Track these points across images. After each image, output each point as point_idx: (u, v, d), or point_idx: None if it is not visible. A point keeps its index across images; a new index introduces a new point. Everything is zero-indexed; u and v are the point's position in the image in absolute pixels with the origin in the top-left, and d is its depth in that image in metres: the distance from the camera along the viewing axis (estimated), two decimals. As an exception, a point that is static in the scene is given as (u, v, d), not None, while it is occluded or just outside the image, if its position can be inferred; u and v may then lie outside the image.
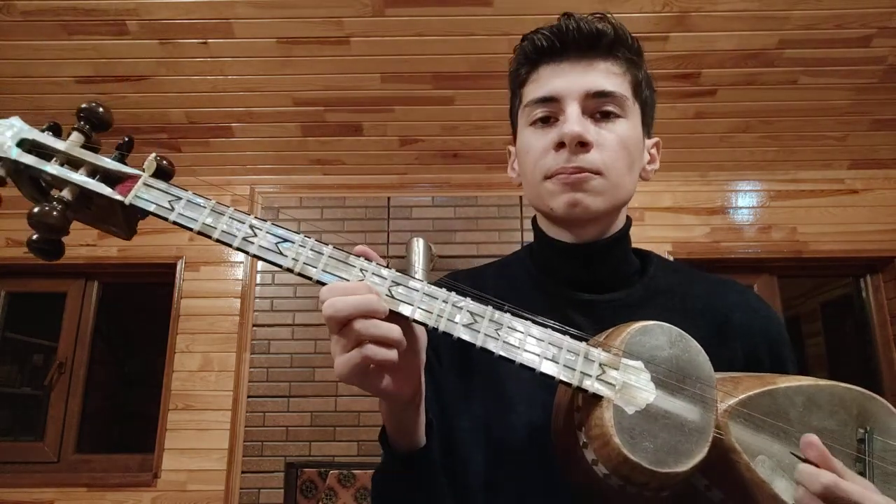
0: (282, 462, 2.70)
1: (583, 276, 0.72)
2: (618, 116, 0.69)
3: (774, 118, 2.78)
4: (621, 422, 0.52)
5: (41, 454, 2.82)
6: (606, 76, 0.69)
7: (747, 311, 0.72)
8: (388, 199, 3.06)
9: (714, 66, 2.53)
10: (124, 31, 2.38)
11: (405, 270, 0.56)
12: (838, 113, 2.75)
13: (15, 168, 0.58)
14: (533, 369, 0.53)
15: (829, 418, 0.57)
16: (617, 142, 0.68)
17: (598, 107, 0.68)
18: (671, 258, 2.86)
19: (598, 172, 0.68)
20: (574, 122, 0.67)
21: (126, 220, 0.60)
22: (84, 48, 2.43)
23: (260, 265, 2.97)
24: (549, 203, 0.70)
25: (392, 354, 0.51)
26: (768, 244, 2.97)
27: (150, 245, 2.97)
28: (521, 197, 3.01)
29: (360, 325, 0.51)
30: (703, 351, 0.57)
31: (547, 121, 0.70)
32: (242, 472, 2.72)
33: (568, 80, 0.69)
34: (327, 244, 0.57)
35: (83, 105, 0.61)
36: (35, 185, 0.60)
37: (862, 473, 0.55)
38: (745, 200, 3.05)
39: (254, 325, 2.90)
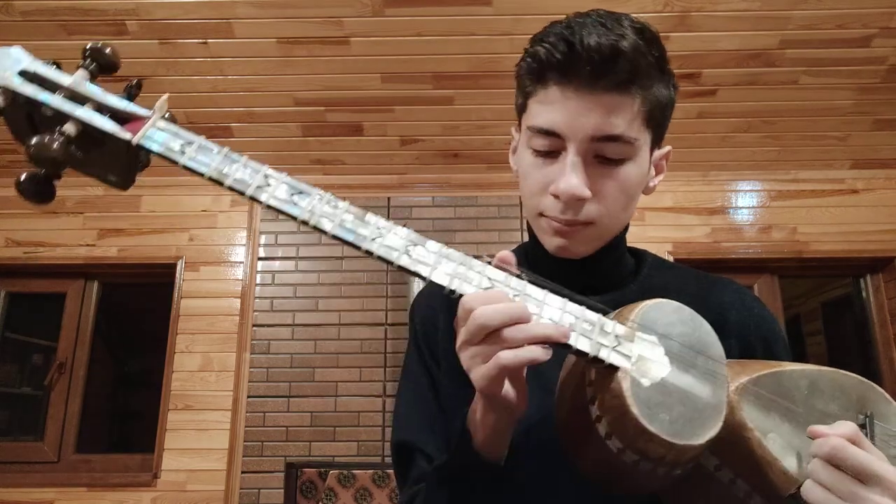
0: (282, 462, 2.70)
1: (576, 280, 0.71)
2: (622, 160, 0.65)
3: (775, 118, 2.78)
4: (638, 393, 0.51)
5: (41, 454, 2.82)
6: (616, 117, 0.62)
7: (742, 310, 0.72)
8: (389, 199, 3.05)
9: (715, 66, 2.53)
10: (124, 31, 2.38)
11: (418, 240, 0.55)
12: (839, 113, 2.75)
13: (13, 99, 0.54)
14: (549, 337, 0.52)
15: (831, 402, 0.58)
16: (617, 189, 0.65)
17: (602, 151, 0.64)
18: (671, 258, 2.86)
19: (590, 223, 0.66)
20: (570, 177, 0.63)
21: (128, 165, 0.56)
22: (84, 48, 2.43)
23: (260, 265, 2.97)
24: (541, 237, 0.70)
25: (544, 356, 0.51)
26: (769, 244, 2.97)
27: (150, 245, 2.97)
28: (521, 197, 3.00)
29: (513, 331, 0.50)
30: (713, 331, 0.57)
31: (548, 154, 0.66)
32: (242, 472, 2.72)
33: (572, 116, 0.63)
34: (344, 199, 0.55)
35: (89, 44, 0.57)
36: (29, 122, 0.56)
37: None
38: (746, 200, 3.05)
39: (254, 325, 2.90)
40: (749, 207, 3.04)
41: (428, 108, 2.74)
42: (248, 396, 2.81)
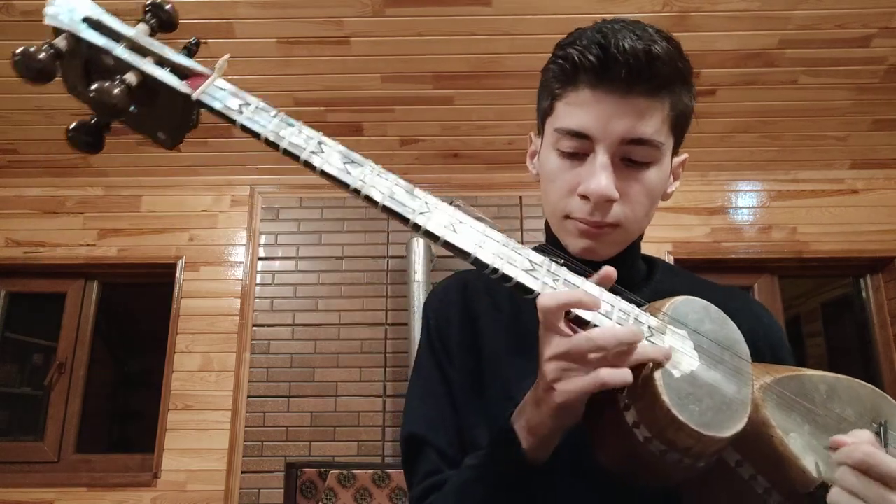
0: (282, 462, 2.70)
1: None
2: (648, 164, 0.66)
3: (775, 118, 2.78)
4: (669, 383, 0.52)
5: (41, 454, 2.82)
6: (646, 121, 0.63)
7: (751, 318, 0.72)
8: (389, 199, 3.05)
9: (714, 66, 2.53)
10: (124, 30, 2.38)
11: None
12: (839, 113, 2.75)
13: (75, 45, 0.53)
14: (587, 322, 0.53)
15: (848, 407, 0.59)
16: (642, 192, 0.66)
17: (630, 154, 0.65)
18: (671, 258, 2.86)
19: (615, 225, 0.67)
20: (601, 178, 0.63)
21: (181, 122, 0.56)
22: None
23: (260, 265, 2.97)
24: (564, 239, 0.70)
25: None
26: (769, 244, 2.97)
27: (150, 245, 2.97)
28: (521, 197, 3.01)
29: (622, 355, 0.52)
30: (738, 330, 0.58)
31: (575, 156, 0.66)
32: (242, 472, 2.72)
33: (605, 118, 0.63)
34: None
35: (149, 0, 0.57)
36: (84, 70, 0.55)
37: None
38: (746, 200, 3.05)
39: (254, 325, 2.90)
40: (749, 207, 3.04)
41: (428, 108, 2.75)
42: (248, 396, 2.81)
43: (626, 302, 0.56)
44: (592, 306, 0.53)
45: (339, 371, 2.85)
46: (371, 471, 2.47)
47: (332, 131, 2.53)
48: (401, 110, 2.76)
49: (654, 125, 0.64)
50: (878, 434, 0.57)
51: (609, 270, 0.56)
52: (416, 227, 0.54)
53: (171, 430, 2.75)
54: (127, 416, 3.69)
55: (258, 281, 2.95)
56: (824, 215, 2.99)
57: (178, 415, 2.76)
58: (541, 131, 0.74)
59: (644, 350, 0.52)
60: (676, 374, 0.53)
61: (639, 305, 0.57)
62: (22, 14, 2.32)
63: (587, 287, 0.55)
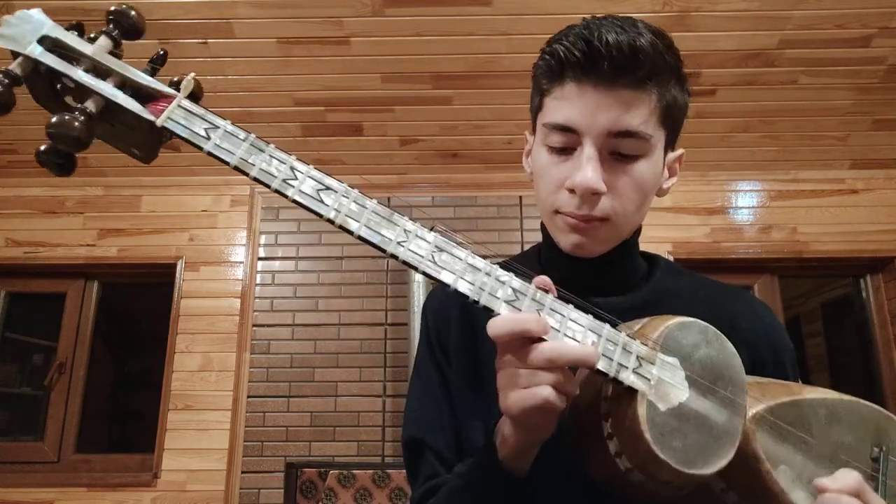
0: (282, 462, 2.70)
1: (589, 281, 0.71)
2: (637, 157, 0.65)
3: (775, 118, 2.78)
4: (653, 418, 0.51)
5: (41, 454, 2.82)
6: (632, 112, 0.63)
7: (753, 319, 0.72)
8: (388, 199, 3.04)
9: (714, 65, 2.53)
10: (124, 31, 2.38)
11: (449, 235, 0.54)
12: (839, 113, 2.75)
13: (34, 69, 0.51)
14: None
15: (848, 434, 0.57)
16: (631, 186, 0.65)
17: (618, 147, 0.64)
18: (671, 258, 2.86)
19: (605, 219, 0.66)
20: (587, 171, 0.63)
21: (151, 141, 0.54)
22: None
23: (260, 265, 2.97)
24: (555, 235, 0.70)
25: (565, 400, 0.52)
26: (768, 244, 2.97)
27: (150, 245, 2.97)
28: (521, 197, 3.01)
29: (561, 376, 0.51)
30: (737, 354, 0.56)
31: (563, 151, 0.66)
32: (242, 472, 2.72)
33: (590, 111, 0.63)
34: (371, 198, 0.54)
35: (113, 7, 0.54)
36: (51, 88, 0.53)
37: (874, 490, 0.56)
38: (746, 200, 3.05)
39: (254, 325, 2.90)
40: (748, 207, 3.04)
41: (427, 108, 2.75)
42: (248, 396, 2.81)
43: (613, 329, 0.54)
44: (541, 333, 0.51)
45: (338, 371, 2.85)
46: (371, 471, 2.47)
47: (332, 131, 2.55)
48: (400, 110, 2.76)
49: (640, 117, 0.63)
50: (875, 460, 0.56)
51: (542, 279, 0.55)
52: (395, 258, 0.52)
53: (171, 430, 2.75)
54: (127, 416, 3.69)
55: (258, 281, 2.95)
56: (824, 215, 2.99)
57: (178, 415, 2.76)
58: (534, 129, 0.74)
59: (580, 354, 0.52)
60: (662, 407, 0.51)
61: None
62: (22, 14, 2.32)
63: (574, 315, 0.54)
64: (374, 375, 2.85)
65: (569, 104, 0.64)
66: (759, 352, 0.69)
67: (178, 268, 2.93)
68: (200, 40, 2.45)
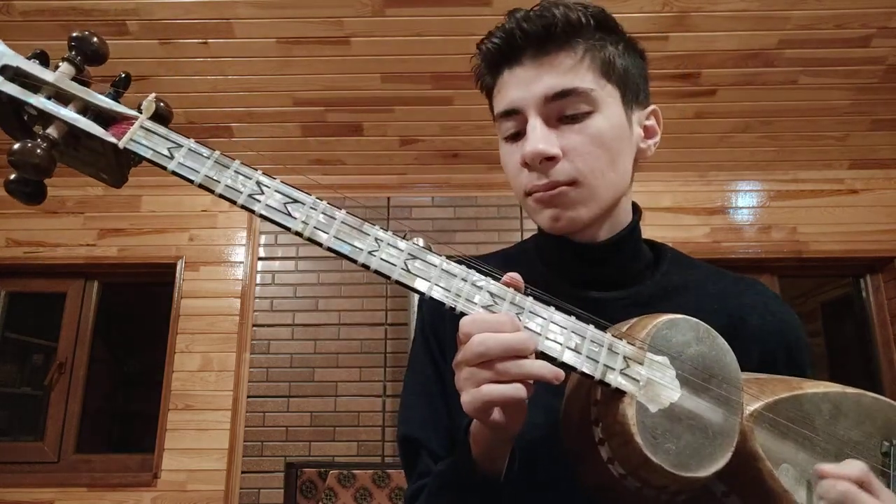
0: (282, 462, 2.70)
1: (590, 274, 0.70)
2: (587, 114, 0.64)
3: (774, 118, 2.78)
4: (644, 420, 0.49)
5: (41, 454, 2.82)
6: (563, 72, 0.63)
7: (764, 314, 0.69)
8: (388, 199, 3.06)
9: (714, 66, 2.53)
10: (124, 31, 2.38)
11: (428, 246, 0.53)
12: (838, 113, 2.75)
13: None
14: (554, 358, 0.50)
15: (855, 428, 0.55)
16: (589, 143, 0.64)
17: (562, 110, 0.63)
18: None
19: (572, 182, 0.64)
20: (533, 139, 0.63)
21: (118, 165, 0.55)
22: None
23: (260, 265, 2.97)
24: (534, 218, 0.69)
25: (529, 392, 0.50)
26: (768, 244, 2.97)
27: (150, 245, 2.97)
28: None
29: (507, 366, 0.49)
30: (730, 350, 0.54)
31: (517, 136, 0.66)
32: (242, 472, 2.72)
33: (524, 87, 0.64)
34: (340, 209, 0.53)
35: (74, 33, 0.54)
36: (17, 117, 0.54)
37: (886, 487, 0.53)
38: (745, 200, 3.05)
39: (254, 325, 2.90)
40: (748, 207, 3.04)
41: (427, 109, 2.75)
42: (248, 396, 2.81)
43: (597, 331, 0.52)
44: (505, 329, 0.49)
45: (338, 371, 2.85)
46: (371, 471, 2.47)
47: (332, 131, 2.56)
48: (400, 110, 2.76)
49: (573, 73, 0.64)
50: (886, 455, 0.54)
51: (511, 276, 0.53)
52: (366, 268, 0.51)
53: (171, 430, 2.75)
54: (127, 416, 3.69)
55: (258, 281, 2.95)
56: (824, 215, 2.99)
57: (178, 415, 2.76)
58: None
59: (536, 369, 0.49)
60: (653, 409, 0.50)
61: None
62: (22, 14, 2.32)
63: (556, 317, 0.52)
64: (374, 375, 2.85)
65: (506, 90, 0.67)
66: (770, 349, 0.67)
67: (178, 268, 2.93)
68: (200, 40, 2.45)
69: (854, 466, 0.51)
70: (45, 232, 2.95)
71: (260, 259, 2.98)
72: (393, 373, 2.85)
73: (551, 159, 0.63)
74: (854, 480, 0.50)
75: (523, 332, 0.50)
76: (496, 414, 0.51)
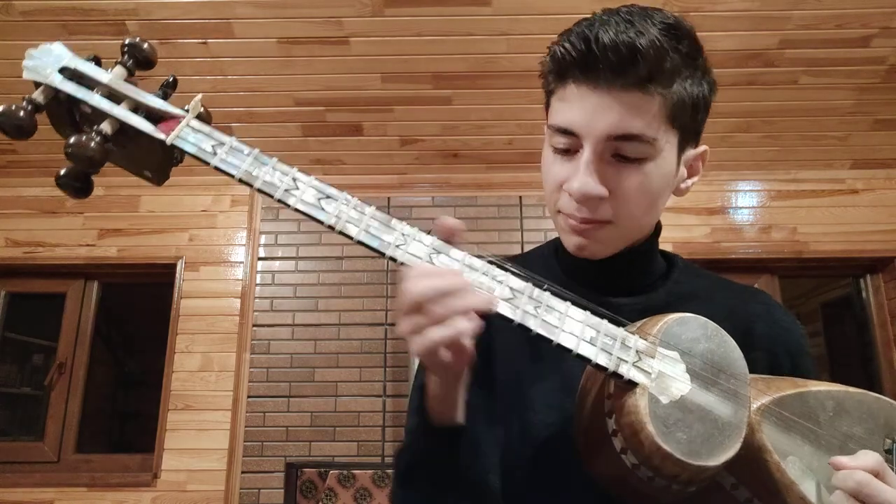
0: (282, 462, 2.70)
1: (606, 281, 0.71)
2: (643, 159, 0.63)
3: (775, 118, 2.78)
4: (656, 410, 0.51)
5: (41, 454, 2.82)
6: (633, 114, 0.61)
7: (770, 322, 0.71)
8: (388, 199, 3.06)
9: (715, 65, 2.49)
10: (124, 31, 2.38)
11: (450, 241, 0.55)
12: (839, 113, 2.75)
13: (54, 96, 0.56)
14: (570, 350, 0.52)
15: (857, 425, 0.57)
16: (636, 188, 0.63)
17: (620, 149, 0.62)
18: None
19: (608, 222, 0.65)
20: (583, 176, 0.62)
21: (163, 162, 0.58)
22: (84, 48, 2.41)
23: (260, 265, 2.97)
24: (560, 234, 0.70)
25: (474, 329, 0.51)
26: (769, 244, 2.97)
27: (150, 245, 2.97)
28: (521, 197, 3.01)
29: (436, 307, 0.50)
30: (738, 348, 0.56)
31: (566, 152, 0.65)
32: (242, 472, 2.72)
33: (589, 115, 0.62)
34: (370, 204, 0.56)
35: (128, 40, 0.59)
36: (69, 117, 0.58)
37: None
38: (746, 200, 3.05)
39: (254, 325, 2.90)
40: (749, 207, 3.04)
41: (427, 108, 2.75)
42: (248, 396, 2.81)
43: (612, 325, 0.54)
44: (439, 275, 0.51)
45: (339, 371, 2.85)
46: (371, 471, 2.47)
47: (332, 131, 2.55)
48: (400, 110, 2.76)
49: (643, 120, 0.61)
50: (889, 452, 0.55)
51: (443, 221, 0.55)
52: (393, 260, 0.54)
53: (171, 430, 2.75)
54: (127, 416, 3.69)
55: (258, 281, 2.95)
56: (824, 215, 2.99)
57: (178, 415, 2.76)
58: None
59: (464, 301, 0.51)
60: (664, 400, 0.52)
61: (623, 325, 0.56)
62: (22, 14, 2.32)
63: (571, 311, 0.54)
64: (374, 375, 2.84)
65: (569, 107, 0.63)
66: (775, 356, 0.69)
67: (178, 268, 2.93)
68: (200, 40, 2.44)
69: (869, 457, 0.52)
70: (45, 232, 2.95)
71: (260, 259, 2.98)
72: (393, 373, 2.85)
73: (594, 199, 0.63)
74: (870, 470, 0.51)
75: (454, 276, 0.52)
76: (442, 354, 0.52)
